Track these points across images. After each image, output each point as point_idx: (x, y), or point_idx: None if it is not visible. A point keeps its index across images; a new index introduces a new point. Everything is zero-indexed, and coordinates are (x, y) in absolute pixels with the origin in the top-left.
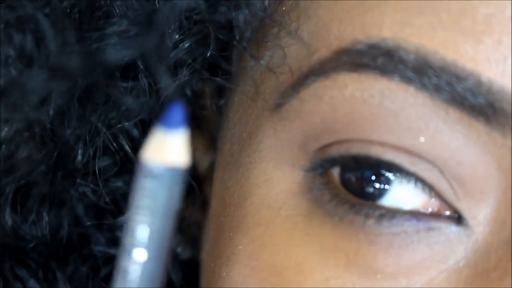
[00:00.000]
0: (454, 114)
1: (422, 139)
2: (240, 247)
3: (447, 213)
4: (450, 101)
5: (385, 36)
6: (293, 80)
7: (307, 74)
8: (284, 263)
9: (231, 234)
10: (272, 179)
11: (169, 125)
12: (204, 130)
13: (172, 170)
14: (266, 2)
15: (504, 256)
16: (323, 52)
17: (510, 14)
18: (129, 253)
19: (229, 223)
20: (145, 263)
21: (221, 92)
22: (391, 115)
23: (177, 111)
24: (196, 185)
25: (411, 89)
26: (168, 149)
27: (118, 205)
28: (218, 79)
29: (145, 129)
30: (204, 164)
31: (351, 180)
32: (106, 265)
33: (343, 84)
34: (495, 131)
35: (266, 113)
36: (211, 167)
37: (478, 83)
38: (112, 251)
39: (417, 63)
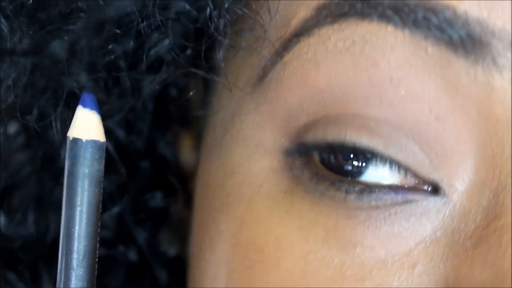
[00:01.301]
0: (433, 51)
1: (402, 92)
2: (223, 226)
3: (424, 187)
4: (428, 36)
5: None
6: (275, 49)
7: (289, 37)
8: (264, 240)
9: (214, 215)
10: (254, 157)
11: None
12: (191, 129)
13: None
14: None
15: (481, 223)
16: (303, 13)
17: None
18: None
19: (212, 205)
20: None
21: (206, 85)
22: (372, 65)
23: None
24: (182, 183)
25: (390, 27)
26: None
27: (104, 205)
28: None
29: (129, 127)
30: (190, 162)
31: (330, 159)
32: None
33: (326, 37)
34: (476, 65)
35: (248, 90)
36: (198, 164)
37: (454, 15)
38: (100, 252)
39: (393, 2)
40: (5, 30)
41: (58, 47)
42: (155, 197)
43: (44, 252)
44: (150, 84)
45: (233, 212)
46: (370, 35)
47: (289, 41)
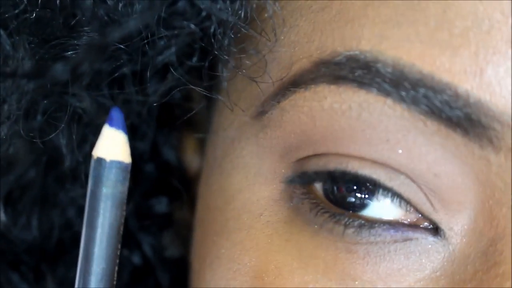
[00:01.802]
0: (432, 126)
1: (399, 151)
2: (223, 250)
3: (425, 224)
4: (427, 113)
5: (363, 49)
6: (274, 89)
7: (287, 85)
8: (265, 267)
9: (214, 238)
10: (254, 185)
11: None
12: (195, 132)
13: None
14: (242, 10)
15: (480, 267)
16: (303, 63)
17: (486, 28)
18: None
19: (213, 227)
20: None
21: (208, 98)
22: (369, 127)
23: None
24: (186, 186)
25: (389, 101)
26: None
27: None
28: (198, 88)
29: (133, 133)
30: (194, 165)
31: (333, 190)
32: None
33: (322, 96)
34: (473, 142)
35: (248, 120)
36: (201, 168)
37: (455, 95)
38: None
39: (394, 76)
40: (8, 48)
41: (60, 69)
42: (160, 202)
43: (48, 254)
44: (155, 93)
45: (233, 237)
46: (368, 104)
47: (286, 89)
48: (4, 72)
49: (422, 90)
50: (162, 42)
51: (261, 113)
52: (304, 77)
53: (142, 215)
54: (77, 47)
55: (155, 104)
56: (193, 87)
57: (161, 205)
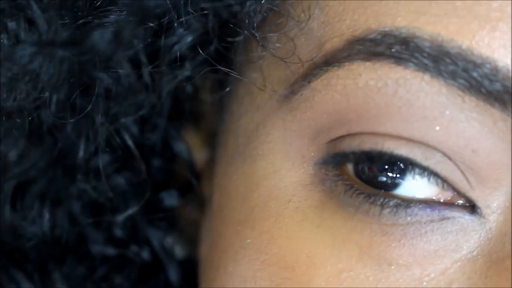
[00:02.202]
0: (470, 101)
1: (437, 128)
2: (249, 240)
3: (461, 202)
4: (466, 88)
5: (399, 25)
6: (304, 70)
7: (319, 64)
8: (295, 257)
9: (238, 228)
10: (281, 171)
11: None
12: (201, 126)
13: None
14: None
15: None
16: (335, 41)
17: None
18: None
19: (235, 217)
20: None
21: (222, 85)
22: (406, 105)
23: None
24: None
25: (427, 76)
26: None
27: (117, 203)
28: (224, 69)
29: (144, 126)
30: (201, 160)
31: (365, 170)
32: (103, 265)
33: (357, 73)
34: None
35: (275, 104)
36: (208, 164)
37: (495, 69)
38: (109, 250)
39: (433, 51)
40: (42, 22)
41: (100, 36)
42: (170, 195)
43: (56, 252)
44: (171, 82)
45: (260, 226)
46: (405, 81)
47: (318, 68)
48: (41, 41)
49: (461, 64)
50: (192, 22)
51: (289, 95)
52: (337, 56)
53: (152, 209)
54: (115, 13)
55: (168, 93)
56: (221, 68)
57: (171, 198)
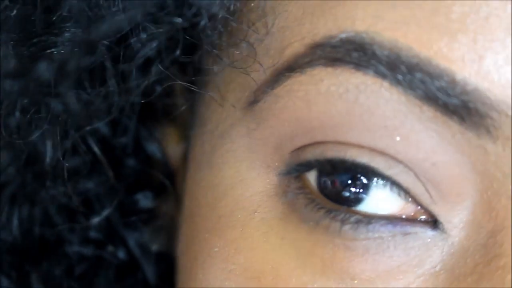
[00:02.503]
0: (428, 112)
1: (397, 138)
2: (216, 249)
3: (423, 217)
4: (424, 98)
5: (358, 30)
6: (266, 77)
7: (281, 70)
8: (261, 267)
9: (206, 235)
10: (246, 180)
11: None
12: (177, 121)
13: None
14: (231, 2)
15: (480, 260)
16: (296, 46)
17: (484, 14)
18: None
19: (204, 224)
20: None
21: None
22: (367, 112)
23: None
24: (170, 179)
25: (386, 84)
26: None
27: (91, 205)
28: (186, 84)
29: (115, 127)
30: (176, 156)
31: (327, 184)
32: (80, 264)
33: (318, 79)
34: (469, 131)
35: (238, 112)
36: (183, 159)
37: (452, 82)
38: (85, 251)
39: (390, 59)
40: None
41: (45, 68)
42: (145, 196)
43: (31, 253)
44: (138, 87)
45: (227, 236)
46: (365, 86)
47: (280, 74)
48: None
49: (418, 75)
50: (145, 35)
51: (252, 102)
52: (299, 61)
53: (127, 211)
54: (61, 44)
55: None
56: (180, 82)
57: (146, 200)
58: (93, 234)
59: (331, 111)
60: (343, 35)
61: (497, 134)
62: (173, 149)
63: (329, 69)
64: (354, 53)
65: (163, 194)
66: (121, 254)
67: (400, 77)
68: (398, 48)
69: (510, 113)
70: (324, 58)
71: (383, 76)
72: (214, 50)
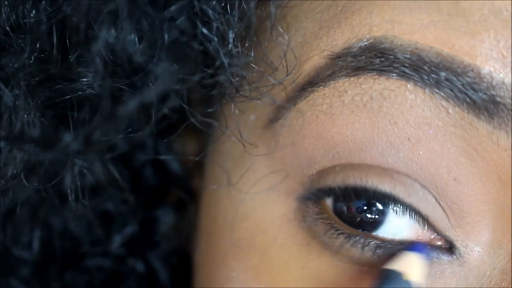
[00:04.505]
0: (455, 114)
1: (420, 152)
2: (234, 274)
3: (439, 243)
4: (450, 97)
5: (376, 35)
6: (288, 92)
7: (302, 85)
8: None
9: (224, 257)
10: (268, 202)
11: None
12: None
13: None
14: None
15: (496, 286)
16: (316, 60)
17: (505, 17)
18: None
19: (222, 245)
20: None
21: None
22: (390, 123)
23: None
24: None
25: (410, 86)
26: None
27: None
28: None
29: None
30: (194, 153)
31: (343, 210)
32: (100, 276)
33: (342, 90)
34: (498, 129)
35: (259, 131)
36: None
37: (478, 77)
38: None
39: (412, 61)
40: (10, 103)
41: (71, 140)
42: (166, 213)
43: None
44: (156, 113)
45: (246, 261)
46: (389, 92)
47: (303, 89)
48: (10, 136)
49: (443, 74)
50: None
51: (273, 120)
52: (321, 75)
53: (148, 229)
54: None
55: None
56: (195, 121)
57: (167, 216)
58: (114, 248)
59: (354, 124)
60: (362, 43)
61: None
62: (191, 148)
63: (352, 79)
64: (376, 60)
65: (183, 209)
66: (140, 266)
67: (425, 77)
68: (419, 49)
69: None
70: (346, 68)
71: (407, 78)
72: (236, 95)
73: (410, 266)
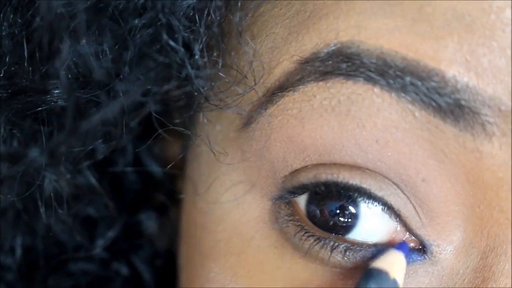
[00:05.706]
0: (421, 117)
1: (389, 153)
2: (213, 274)
3: (412, 244)
4: (416, 101)
5: (342, 40)
6: (259, 97)
7: (273, 89)
8: None
9: (203, 259)
10: (243, 204)
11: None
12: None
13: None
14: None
15: (469, 285)
16: (285, 64)
17: (468, 22)
18: None
19: (201, 247)
20: None
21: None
22: (358, 126)
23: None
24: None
25: (377, 90)
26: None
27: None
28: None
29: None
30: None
31: (316, 213)
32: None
33: (311, 95)
34: (464, 132)
35: (232, 134)
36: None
37: (443, 81)
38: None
39: (378, 65)
40: None
41: (37, 154)
42: (148, 217)
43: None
44: (127, 123)
45: (224, 262)
46: (356, 96)
47: (273, 94)
48: None
49: (408, 78)
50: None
51: (246, 124)
52: (290, 79)
53: (131, 233)
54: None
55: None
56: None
57: (149, 221)
58: (97, 252)
59: (324, 127)
60: (329, 48)
61: (493, 130)
62: (172, 150)
63: (321, 84)
64: (343, 64)
65: (166, 213)
66: (125, 270)
67: (390, 81)
68: (385, 54)
69: (503, 108)
70: (314, 73)
71: (373, 82)
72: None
73: (394, 264)
